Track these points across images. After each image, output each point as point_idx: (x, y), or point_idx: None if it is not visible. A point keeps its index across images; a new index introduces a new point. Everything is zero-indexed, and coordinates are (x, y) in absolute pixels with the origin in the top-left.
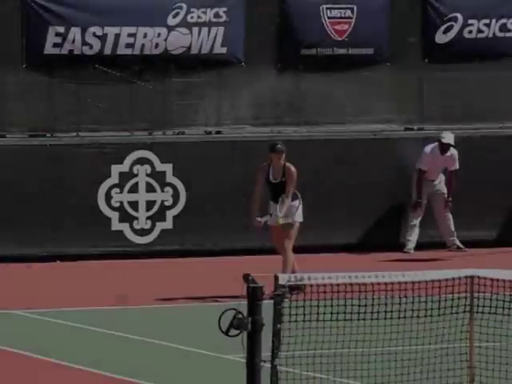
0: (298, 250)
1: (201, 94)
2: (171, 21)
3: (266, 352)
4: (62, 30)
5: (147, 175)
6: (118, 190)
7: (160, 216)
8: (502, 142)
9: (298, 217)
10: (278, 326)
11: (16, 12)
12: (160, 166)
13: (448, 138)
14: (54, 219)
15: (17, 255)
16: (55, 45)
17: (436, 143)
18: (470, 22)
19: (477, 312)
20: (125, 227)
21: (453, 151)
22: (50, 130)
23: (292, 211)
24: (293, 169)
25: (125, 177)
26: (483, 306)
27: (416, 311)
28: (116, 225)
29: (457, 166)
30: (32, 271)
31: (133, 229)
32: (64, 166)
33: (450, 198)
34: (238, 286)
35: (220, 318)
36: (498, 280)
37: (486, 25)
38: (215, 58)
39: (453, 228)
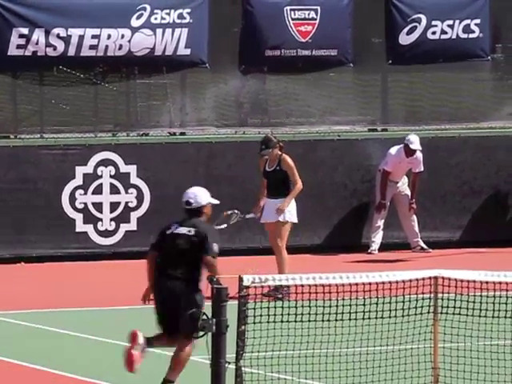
0: (261, 251)
1: (165, 96)
2: (135, 22)
3: (230, 353)
4: (25, 31)
5: (111, 176)
6: (82, 191)
7: (124, 217)
8: (466, 143)
9: (290, 217)
10: (243, 327)
11: None
12: (124, 168)
13: (416, 143)
14: (18, 221)
15: None
16: (19, 46)
17: (402, 145)
18: (433, 23)
19: (441, 312)
20: (89, 228)
21: (418, 153)
22: (14, 132)
23: (288, 209)
24: (288, 160)
25: (89, 178)
26: (447, 307)
27: (380, 312)
28: (80, 226)
29: (421, 168)
30: None
31: (97, 230)
32: (28, 168)
33: (414, 200)
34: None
35: None
36: (461, 280)
37: (449, 26)
38: (179, 60)
39: (417, 229)
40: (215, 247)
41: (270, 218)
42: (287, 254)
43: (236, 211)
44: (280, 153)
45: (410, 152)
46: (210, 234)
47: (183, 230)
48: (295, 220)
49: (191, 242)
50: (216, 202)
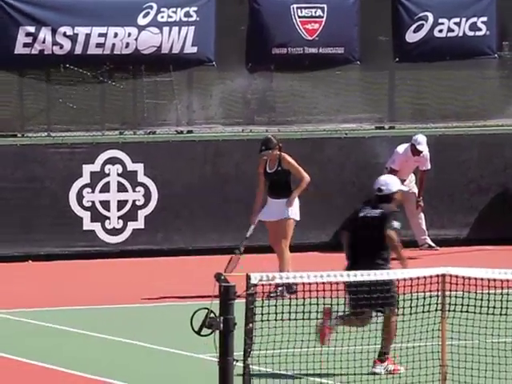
0: (270, 249)
1: (172, 94)
2: (141, 20)
3: (238, 351)
4: (32, 30)
5: (119, 175)
6: (89, 189)
7: (132, 215)
8: (473, 141)
9: (294, 214)
10: (250, 325)
11: None
12: (131, 166)
13: (423, 144)
14: (25, 219)
15: None
16: (26, 45)
17: (409, 144)
18: (440, 21)
19: (449, 310)
20: (96, 227)
21: (425, 151)
22: (21, 130)
23: (285, 207)
24: (288, 158)
25: (96, 176)
26: (455, 304)
27: None
28: (88, 224)
29: (428, 166)
30: (3, 271)
31: (104, 228)
32: (35, 166)
33: (421, 198)
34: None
35: (192, 318)
36: (469, 278)
37: (456, 24)
38: (186, 58)
39: (424, 227)
40: (395, 223)
41: (273, 216)
42: (290, 253)
43: (236, 252)
44: (279, 153)
45: (416, 152)
46: (391, 213)
47: (373, 213)
48: (298, 217)
49: (376, 222)
50: (405, 188)
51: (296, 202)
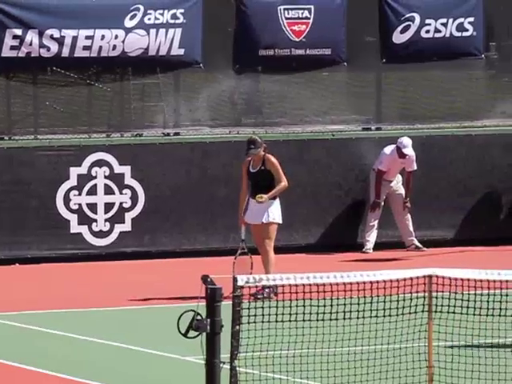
0: (257, 250)
1: (159, 96)
2: (128, 23)
3: (225, 353)
4: (19, 32)
5: (106, 177)
6: (76, 192)
7: (119, 218)
8: (460, 142)
9: (276, 218)
10: (237, 327)
11: None
12: (118, 168)
13: (409, 147)
14: (12, 222)
15: None
16: (12, 47)
17: (395, 145)
18: (427, 21)
19: (435, 311)
20: (83, 229)
21: (411, 152)
22: (8, 133)
23: (271, 210)
24: (272, 159)
25: (83, 179)
26: (442, 305)
27: (375, 311)
28: (75, 227)
29: (414, 167)
30: None
31: (91, 231)
32: (22, 169)
33: (408, 199)
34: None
35: (179, 320)
36: (456, 279)
37: (443, 24)
38: (173, 60)
39: (411, 228)
40: None
41: (255, 219)
42: (275, 254)
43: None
44: (263, 153)
45: (402, 155)
46: None
47: None
48: (279, 221)
49: None
50: None
51: (277, 205)
